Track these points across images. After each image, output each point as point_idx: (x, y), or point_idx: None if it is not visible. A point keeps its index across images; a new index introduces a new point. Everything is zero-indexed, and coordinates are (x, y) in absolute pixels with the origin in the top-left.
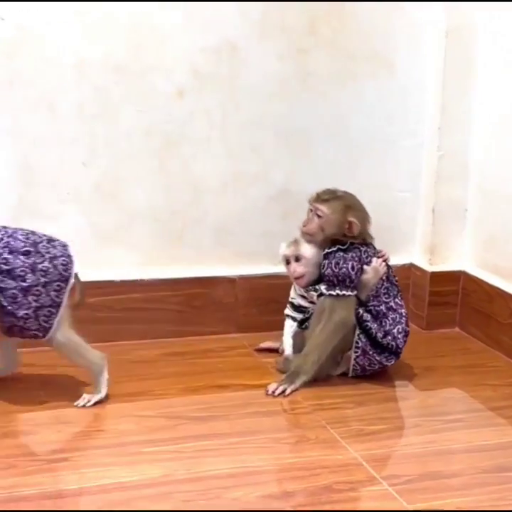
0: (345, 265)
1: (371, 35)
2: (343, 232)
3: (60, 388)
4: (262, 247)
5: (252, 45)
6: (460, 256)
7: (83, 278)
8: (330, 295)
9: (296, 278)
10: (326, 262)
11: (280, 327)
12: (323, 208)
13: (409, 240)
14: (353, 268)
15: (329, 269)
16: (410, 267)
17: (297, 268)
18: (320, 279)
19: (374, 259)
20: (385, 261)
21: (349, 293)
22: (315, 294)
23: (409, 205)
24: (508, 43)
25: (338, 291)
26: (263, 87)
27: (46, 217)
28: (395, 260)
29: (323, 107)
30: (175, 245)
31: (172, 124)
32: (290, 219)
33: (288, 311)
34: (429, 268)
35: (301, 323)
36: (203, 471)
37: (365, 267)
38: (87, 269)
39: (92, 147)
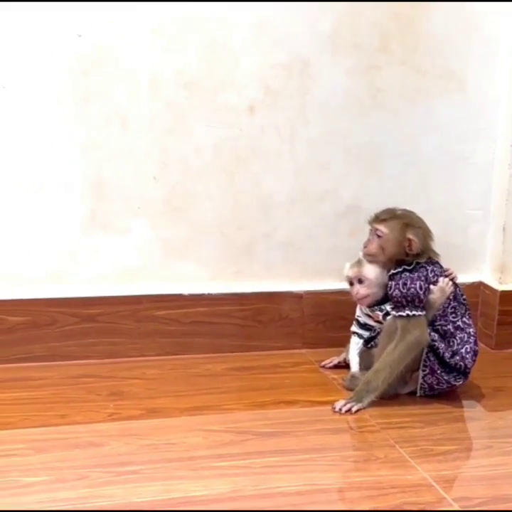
0: (412, 285)
1: (444, 52)
2: (404, 250)
3: (129, 401)
4: (329, 263)
5: (323, 61)
6: None
7: (152, 291)
8: (400, 316)
9: (359, 299)
10: (393, 283)
11: (346, 343)
12: (382, 228)
13: (479, 258)
14: (420, 288)
15: (397, 291)
16: (479, 286)
17: (360, 290)
18: (385, 298)
19: (440, 279)
20: (452, 280)
21: (419, 313)
22: (380, 314)
23: (480, 223)
24: None
25: (408, 312)
26: (333, 103)
27: (117, 230)
28: (464, 278)
29: (393, 124)
30: (242, 260)
31: (242, 139)
32: (358, 236)
33: (354, 328)
34: (499, 287)
35: (367, 342)
36: (272, 488)
37: (431, 286)
38: (155, 282)
39: (163, 162)
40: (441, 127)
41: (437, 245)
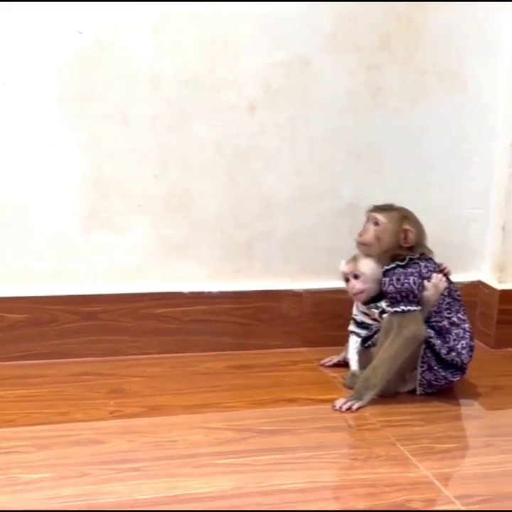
0: (406, 281)
1: (444, 52)
2: (398, 242)
3: (130, 398)
4: (329, 261)
5: (324, 60)
6: None
7: (152, 289)
8: (395, 312)
9: (355, 294)
10: (387, 279)
11: (345, 342)
12: (380, 217)
13: (479, 257)
14: (414, 283)
15: (391, 286)
16: (479, 285)
17: (356, 285)
18: (380, 295)
19: (434, 275)
20: (445, 275)
21: (415, 308)
22: (376, 311)
23: (479, 222)
24: None
25: (403, 308)
26: (334, 101)
27: (117, 228)
28: (463, 277)
29: (394, 123)
30: (242, 259)
31: (243, 137)
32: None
33: (352, 327)
34: (498, 286)
35: (365, 341)
36: (274, 485)
37: (425, 283)
38: (156, 280)
39: (164, 160)
40: (442, 127)
41: (437, 244)
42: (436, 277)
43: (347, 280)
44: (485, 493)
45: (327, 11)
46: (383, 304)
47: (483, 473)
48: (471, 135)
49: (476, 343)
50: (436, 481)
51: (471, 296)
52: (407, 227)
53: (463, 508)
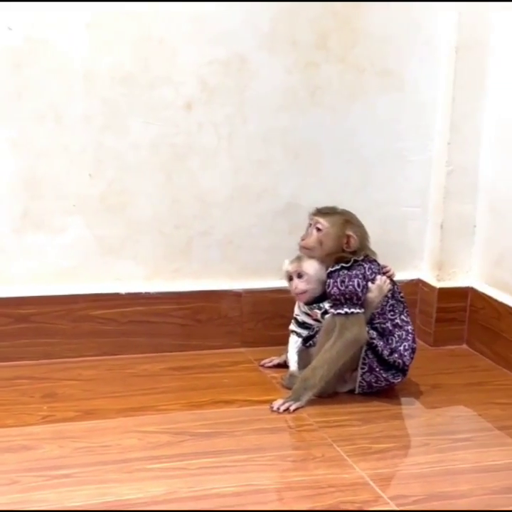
0: (350, 283)
1: (382, 50)
2: (341, 246)
3: (64, 402)
4: (269, 261)
5: (261, 58)
6: (468, 272)
7: (88, 290)
8: (338, 314)
9: (298, 294)
10: (331, 280)
11: (285, 342)
12: (323, 221)
13: (418, 255)
14: (358, 285)
15: (335, 288)
16: (418, 283)
17: (299, 284)
18: (323, 295)
19: (378, 277)
20: (389, 277)
21: (358, 310)
22: (319, 312)
23: (418, 221)
24: None
25: (346, 310)
26: (272, 100)
27: (52, 229)
28: (402, 276)
29: (332, 122)
30: (181, 258)
31: (179, 136)
32: (297, 234)
33: (293, 326)
34: (437, 284)
35: (306, 341)
36: (208, 489)
37: (369, 284)
38: (92, 281)
39: (99, 159)
40: (380, 125)
41: (376, 243)
42: (381, 279)
43: (290, 279)
44: (420, 493)
45: (264, 9)
46: (326, 305)
47: (419, 473)
48: (409, 133)
49: (416, 341)
50: (371, 482)
51: (410, 295)
52: (349, 232)
53: (397, 509)
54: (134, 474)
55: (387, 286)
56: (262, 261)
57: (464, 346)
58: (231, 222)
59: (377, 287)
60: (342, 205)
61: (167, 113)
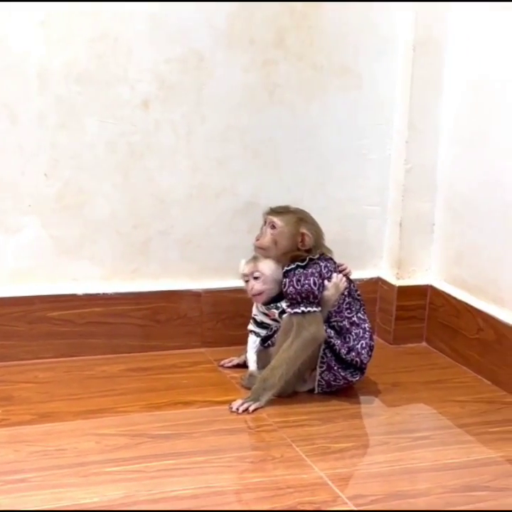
0: (306, 281)
1: (340, 48)
2: (296, 245)
3: (19, 406)
4: (228, 261)
5: (219, 56)
6: (427, 270)
7: (45, 291)
8: (295, 313)
9: (254, 295)
10: (287, 280)
11: (245, 341)
12: (277, 220)
13: (377, 254)
14: (315, 283)
15: (291, 287)
16: (377, 281)
17: (255, 285)
18: (281, 295)
19: (334, 275)
20: (345, 275)
21: (315, 309)
22: (276, 312)
23: (377, 219)
24: (475, 56)
25: (303, 309)
26: (230, 98)
27: (6, 229)
28: (362, 274)
29: (291, 120)
30: (139, 259)
31: (137, 135)
32: (257, 233)
33: (251, 326)
34: (396, 282)
35: (264, 341)
36: (166, 492)
37: (325, 283)
38: (48, 282)
39: (55, 158)
40: (339, 123)
41: (335, 241)
42: (337, 277)
43: (247, 280)
44: (378, 492)
45: (221, 7)
46: (283, 305)
47: (378, 473)
48: (368, 132)
49: (376, 339)
50: (330, 482)
51: (370, 293)
52: (303, 230)
53: (355, 509)
54: (91, 478)
55: (344, 284)
56: (222, 260)
57: (424, 344)
58: (190, 222)
59: (334, 285)
60: (301, 203)
61: (124, 112)
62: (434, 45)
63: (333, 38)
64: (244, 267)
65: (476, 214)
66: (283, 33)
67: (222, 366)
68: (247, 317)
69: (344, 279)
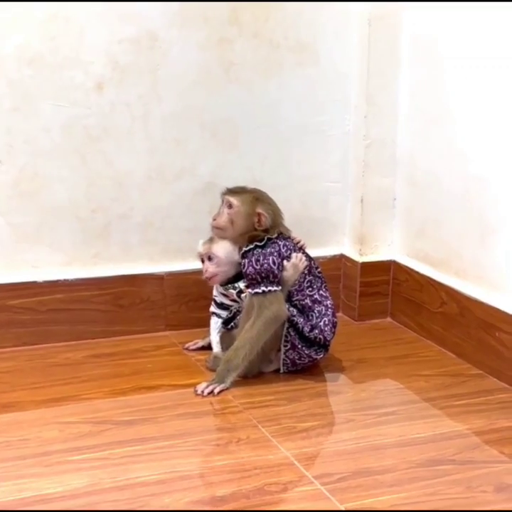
0: (265, 261)
1: (295, 24)
2: (253, 225)
3: None
4: (190, 242)
5: (173, 35)
6: (390, 246)
7: (3, 280)
8: (256, 293)
9: (208, 277)
10: (246, 260)
11: (209, 323)
12: (233, 200)
13: (340, 230)
14: (274, 263)
15: (251, 268)
16: (341, 258)
17: (209, 267)
18: (238, 276)
19: (293, 255)
20: (305, 253)
21: (275, 288)
22: (234, 292)
23: (339, 196)
24: (432, 30)
25: (263, 288)
26: (185, 77)
27: None
28: (325, 251)
29: (248, 98)
30: (99, 243)
31: (92, 118)
32: None
33: (213, 308)
34: (360, 258)
35: (226, 323)
36: (131, 479)
37: (285, 263)
38: (7, 270)
39: (9, 143)
40: (297, 100)
41: (298, 219)
42: (296, 257)
43: (203, 261)
44: (344, 470)
45: None
46: (241, 285)
47: (344, 450)
48: (327, 108)
49: (340, 316)
50: (296, 462)
51: (334, 270)
52: (260, 210)
53: (322, 488)
54: (54, 467)
55: (303, 263)
56: (184, 242)
57: (388, 319)
58: (150, 204)
59: (293, 265)
60: (262, 182)
61: (78, 94)
62: (389, 19)
63: (288, 13)
64: (200, 247)
65: (437, 188)
66: (237, 10)
67: (186, 349)
68: (211, 299)
69: (303, 258)
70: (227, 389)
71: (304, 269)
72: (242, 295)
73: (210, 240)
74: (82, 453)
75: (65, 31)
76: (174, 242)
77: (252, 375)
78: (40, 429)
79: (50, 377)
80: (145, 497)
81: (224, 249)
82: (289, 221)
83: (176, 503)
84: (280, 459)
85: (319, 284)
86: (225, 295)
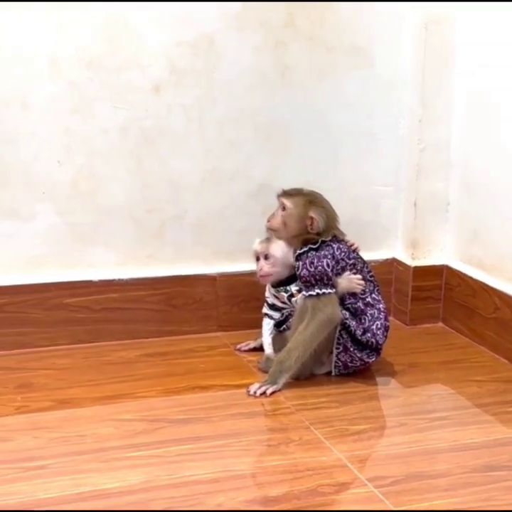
0: (319, 263)
1: (350, 27)
2: (305, 228)
3: (38, 392)
4: (242, 244)
5: (229, 39)
6: (443, 250)
7: (60, 278)
8: (310, 296)
9: (262, 276)
10: (300, 263)
11: (261, 325)
12: (286, 202)
13: (392, 234)
14: (328, 265)
15: (305, 270)
16: (393, 262)
17: (264, 267)
18: (290, 278)
19: (351, 277)
20: (355, 251)
21: (329, 290)
22: (285, 295)
23: (391, 200)
24: (487, 34)
25: (317, 291)
26: (241, 81)
27: (21, 217)
28: (377, 255)
29: (302, 101)
30: (153, 244)
31: (149, 120)
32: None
33: (265, 309)
34: (412, 263)
35: (279, 325)
36: (186, 476)
37: (338, 279)
38: (64, 269)
39: (68, 144)
40: (350, 103)
41: (349, 223)
42: (356, 277)
43: (258, 259)
44: (398, 473)
45: None
46: (292, 288)
47: (397, 454)
48: (380, 111)
49: (392, 320)
50: (349, 464)
51: (385, 274)
52: (312, 214)
53: (375, 491)
54: (111, 463)
55: (359, 287)
56: (236, 244)
57: (440, 324)
58: (203, 206)
59: (349, 279)
60: (314, 184)
61: (135, 96)
62: (445, 22)
63: (343, 17)
64: (257, 245)
65: (491, 192)
66: (293, 13)
67: (238, 350)
68: (262, 300)
69: (361, 282)
70: (279, 390)
71: (357, 291)
72: (293, 299)
73: (267, 240)
74: (138, 450)
75: (124, 34)
76: (227, 243)
77: (304, 377)
78: (96, 425)
79: (105, 375)
80: (200, 495)
81: (281, 250)
82: (341, 224)
83: (230, 501)
84: (333, 461)
85: (372, 288)
86: (276, 297)
